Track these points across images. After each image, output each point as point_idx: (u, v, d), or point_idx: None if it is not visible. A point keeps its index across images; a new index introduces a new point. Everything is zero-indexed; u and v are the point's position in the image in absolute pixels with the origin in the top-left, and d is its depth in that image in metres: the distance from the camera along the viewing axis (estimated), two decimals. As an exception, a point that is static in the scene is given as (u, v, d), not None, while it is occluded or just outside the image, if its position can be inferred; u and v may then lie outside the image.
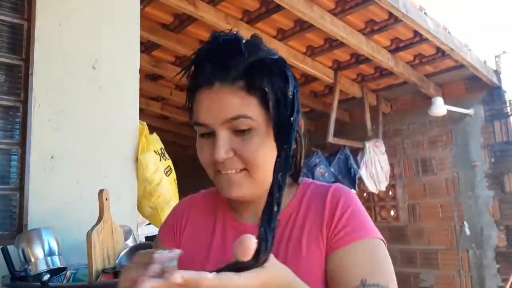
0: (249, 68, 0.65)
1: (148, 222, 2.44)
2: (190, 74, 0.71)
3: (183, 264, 0.70)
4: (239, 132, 0.67)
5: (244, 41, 0.67)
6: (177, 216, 0.83)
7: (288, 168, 0.56)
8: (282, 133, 0.62)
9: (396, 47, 3.85)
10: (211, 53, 0.67)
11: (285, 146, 0.58)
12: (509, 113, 4.12)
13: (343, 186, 0.78)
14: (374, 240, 0.70)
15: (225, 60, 0.65)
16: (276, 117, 0.65)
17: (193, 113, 0.71)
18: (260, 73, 0.65)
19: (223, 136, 0.67)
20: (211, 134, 0.69)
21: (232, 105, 0.65)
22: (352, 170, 4.48)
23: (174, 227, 0.81)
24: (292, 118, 0.62)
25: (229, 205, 0.80)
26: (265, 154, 0.67)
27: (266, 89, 0.65)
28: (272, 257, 0.50)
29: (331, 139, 4.25)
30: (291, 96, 0.65)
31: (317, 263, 0.70)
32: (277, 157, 0.58)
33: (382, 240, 0.72)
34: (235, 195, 0.70)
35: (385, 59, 3.81)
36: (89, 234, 1.42)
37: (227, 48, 0.66)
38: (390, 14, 3.33)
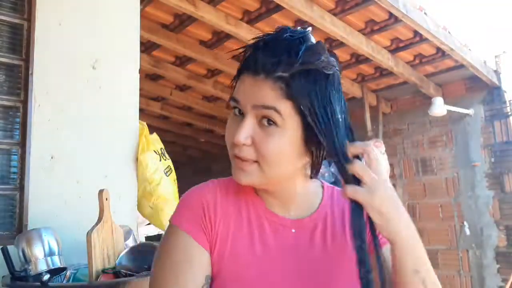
0: (296, 74, 0.64)
1: (148, 222, 2.44)
2: (245, 55, 0.70)
3: (229, 260, 0.71)
4: (264, 125, 0.67)
5: (307, 45, 0.66)
6: (202, 209, 0.74)
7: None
8: (313, 150, 0.68)
9: (396, 47, 3.85)
10: (271, 43, 0.67)
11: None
12: (509, 113, 4.12)
13: None
14: None
15: (278, 56, 0.65)
16: (308, 131, 0.67)
17: (233, 89, 0.71)
18: (305, 81, 0.65)
19: (249, 122, 0.67)
20: (241, 115, 0.69)
21: (268, 96, 0.65)
22: (352, 170, 4.48)
23: (203, 221, 0.73)
24: (322, 138, 0.65)
25: (256, 193, 0.78)
26: (281, 155, 0.68)
27: (303, 99, 0.65)
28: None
29: (331, 139, 4.25)
30: (329, 115, 0.65)
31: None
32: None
33: None
34: (244, 182, 0.70)
35: (385, 59, 3.81)
36: (89, 234, 1.42)
37: (287, 44, 0.66)
38: (390, 14, 3.33)
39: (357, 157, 0.64)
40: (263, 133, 0.67)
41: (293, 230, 0.74)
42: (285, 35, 0.67)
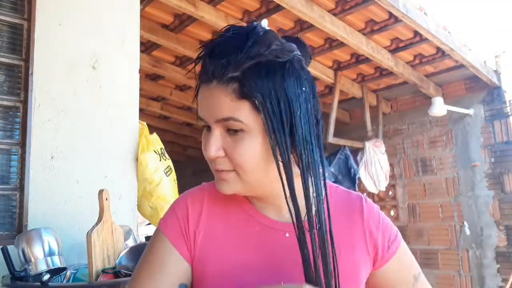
0: (247, 71, 0.62)
1: (148, 222, 2.44)
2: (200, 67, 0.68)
3: (215, 266, 0.70)
4: (232, 132, 0.65)
5: (254, 38, 0.63)
6: (186, 216, 0.74)
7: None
8: (280, 145, 0.63)
9: (396, 47, 3.85)
10: (216, 47, 0.64)
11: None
12: (509, 113, 4.12)
13: (365, 196, 0.82)
14: (400, 234, 0.80)
15: (225, 57, 0.62)
16: (270, 126, 0.63)
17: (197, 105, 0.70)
18: (257, 77, 0.61)
19: (216, 134, 0.66)
20: (210, 129, 0.68)
21: (223, 106, 0.63)
22: (352, 170, 4.48)
23: (186, 228, 0.73)
24: (285, 128, 0.62)
25: (245, 196, 0.76)
26: (255, 158, 0.65)
27: (256, 97, 0.62)
28: None
29: (331, 139, 4.25)
30: (292, 104, 0.63)
31: (360, 265, 0.74)
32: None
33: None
34: (227, 192, 0.70)
35: (385, 59, 3.81)
36: (89, 234, 1.42)
37: (233, 43, 0.63)
38: (390, 14, 3.33)
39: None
40: (232, 141, 0.65)
41: (287, 234, 0.71)
42: (229, 34, 0.65)
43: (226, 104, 0.63)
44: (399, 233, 0.80)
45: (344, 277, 0.67)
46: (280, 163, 0.64)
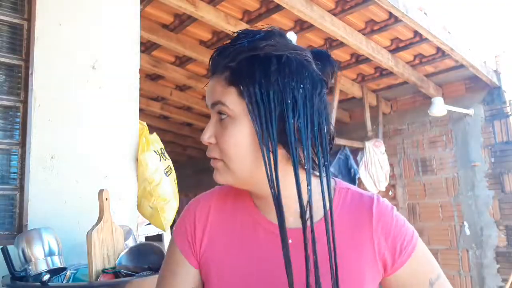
0: (243, 61, 0.66)
1: (148, 222, 2.43)
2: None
3: (220, 272, 0.72)
4: (222, 119, 0.68)
5: (260, 35, 0.67)
6: (193, 222, 0.75)
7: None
8: (265, 136, 0.64)
9: (396, 47, 3.85)
10: (227, 46, 0.69)
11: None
12: (509, 113, 4.12)
13: (381, 198, 0.76)
14: (417, 236, 0.74)
15: (225, 51, 0.68)
16: (256, 113, 0.64)
17: None
18: (249, 66, 0.65)
19: (212, 121, 0.70)
20: None
21: (215, 91, 0.68)
22: (352, 170, 4.48)
23: (192, 235, 0.74)
24: (258, 126, 0.64)
25: (251, 200, 0.76)
26: (239, 146, 0.66)
27: (242, 83, 0.65)
28: None
29: (331, 139, 4.25)
30: (285, 96, 0.64)
31: (365, 272, 0.70)
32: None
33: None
34: (219, 181, 0.71)
35: (385, 59, 3.81)
36: (89, 234, 1.42)
37: (234, 40, 0.68)
38: (390, 14, 3.33)
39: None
40: (221, 128, 0.68)
41: (290, 241, 0.65)
42: (241, 36, 0.68)
43: (218, 90, 0.68)
44: (416, 234, 0.74)
45: (348, 283, 0.67)
46: (266, 156, 0.63)
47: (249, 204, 0.75)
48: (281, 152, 0.66)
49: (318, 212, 0.67)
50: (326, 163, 0.66)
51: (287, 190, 0.67)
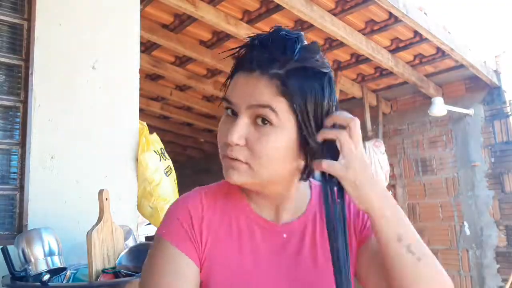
0: (292, 71, 0.64)
1: (148, 222, 2.44)
2: (239, 54, 0.69)
3: (219, 269, 0.71)
4: (259, 124, 0.66)
5: (302, 44, 0.66)
6: (190, 219, 0.73)
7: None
8: (308, 149, 0.67)
9: (396, 47, 3.85)
10: (265, 41, 0.66)
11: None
12: (509, 113, 4.12)
13: None
14: None
15: (274, 53, 0.65)
16: (302, 130, 0.66)
17: (226, 89, 0.70)
18: (300, 79, 0.64)
19: (243, 122, 0.66)
20: (234, 115, 0.68)
21: (263, 93, 0.64)
22: (352, 170, 4.48)
23: (192, 231, 0.72)
24: (311, 139, 0.66)
25: (245, 197, 0.76)
26: (275, 154, 0.66)
27: (295, 98, 0.64)
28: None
29: (331, 139, 4.24)
30: (319, 115, 0.66)
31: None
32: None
33: None
34: (236, 181, 0.68)
35: (385, 59, 3.81)
36: (89, 234, 1.43)
37: (282, 42, 0.65)
38: (390, 14, 3.33)
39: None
40: (257, 133, 0.66)
41: (284, 235, 0.74)
42: (280, 34, 0.67)
43: (266, 94, 0.64)
44: None
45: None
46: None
47: (242, 203, 0.76)
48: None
49: (301, 208, 0.77)
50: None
51: (287, 190, 0.74)
